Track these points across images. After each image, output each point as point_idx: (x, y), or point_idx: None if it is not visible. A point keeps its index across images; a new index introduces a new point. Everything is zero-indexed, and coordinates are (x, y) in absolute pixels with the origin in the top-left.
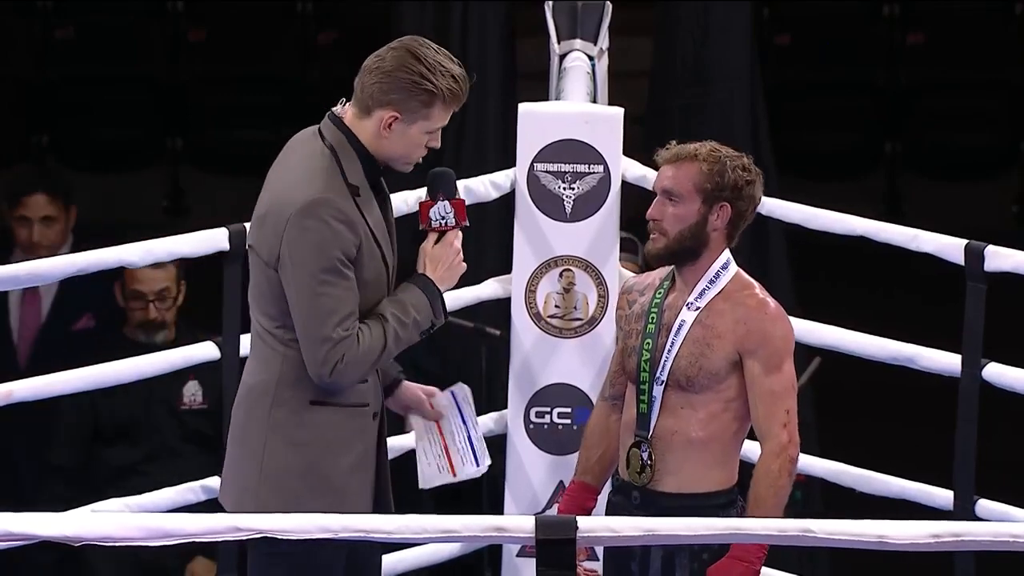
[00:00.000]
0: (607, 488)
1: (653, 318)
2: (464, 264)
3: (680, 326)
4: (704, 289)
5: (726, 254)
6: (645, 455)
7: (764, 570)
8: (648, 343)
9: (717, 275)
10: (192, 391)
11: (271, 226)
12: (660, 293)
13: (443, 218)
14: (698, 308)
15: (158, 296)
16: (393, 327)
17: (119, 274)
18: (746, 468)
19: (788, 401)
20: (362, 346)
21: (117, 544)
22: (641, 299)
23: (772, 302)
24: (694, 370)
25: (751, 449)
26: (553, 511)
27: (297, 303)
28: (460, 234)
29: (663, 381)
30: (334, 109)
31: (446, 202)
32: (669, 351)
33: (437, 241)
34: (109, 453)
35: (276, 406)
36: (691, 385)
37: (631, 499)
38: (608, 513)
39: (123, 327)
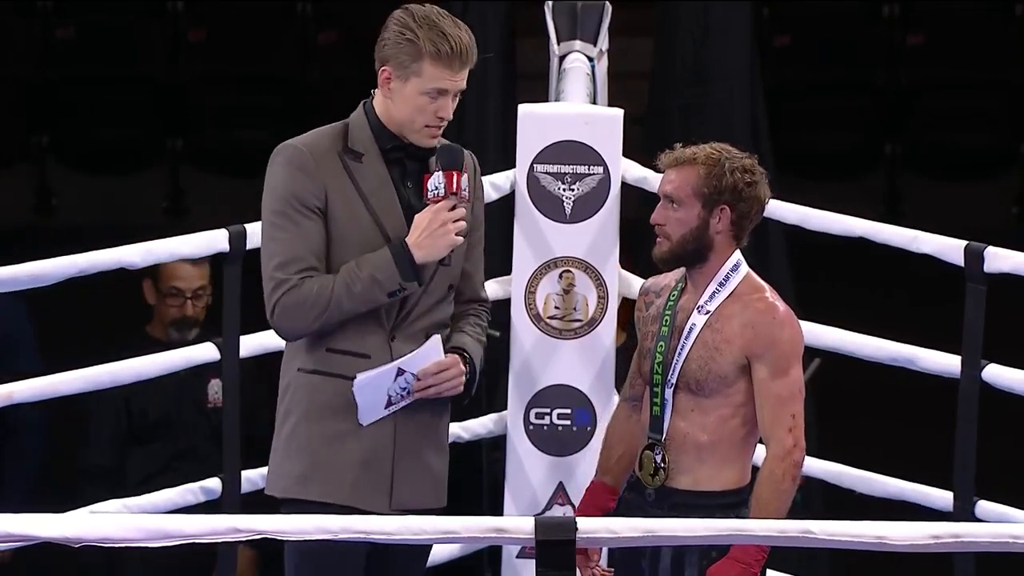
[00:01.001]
0: None
1: (667, 320)
2: (455, 236)
3: (690, 329)
4: (714, 292)
5: (736, 256)
6: (658, 458)
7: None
8: (661, 345)
9: (727, 277)
10: (215, 389)
11: None
12: (674, 295)
13: (436, 188)
14: (708, 311)
15: (195, 294)
16: (343, 279)
17: (144, 273)
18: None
19: (794, 406)
20: (301, 293)
21: (116, 545)
22: (657, 301)
23: (781, 306)
24: (703, 374)
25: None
26: (553, 512)
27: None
28: (457, 207)
29: (673, 384)
30: (374, 90)
31: (439, 172)
32: (679, 354)
33: None
34: (143, 452)
35: (281, 377)
36: (700, 389)
37: (645, 496)
38: (622, 510)
39: (145, 325)
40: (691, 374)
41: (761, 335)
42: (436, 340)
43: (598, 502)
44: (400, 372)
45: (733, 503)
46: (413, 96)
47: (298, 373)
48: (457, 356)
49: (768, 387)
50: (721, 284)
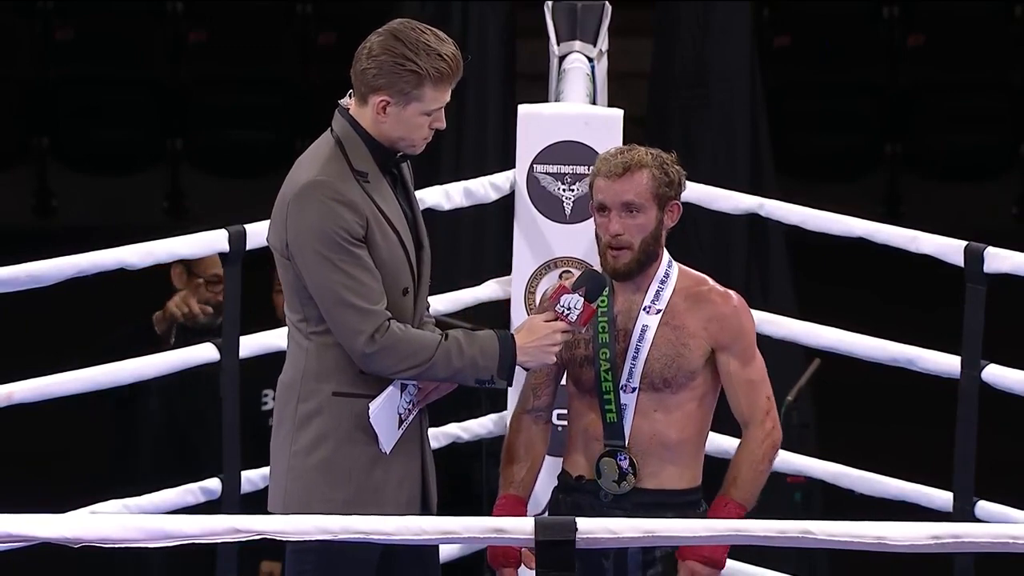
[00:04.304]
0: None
1: (604, 327)
2: (554, 359)
3: (643, 331)
4: (658, 290)
5: (665, 251)
6: (624, 463)
7: (763, 571)
8: (605, 352)
9: (666, 273)
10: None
11: (277, 215)
12: (604, 301)
13: (568, 309)
14: (660, 310)
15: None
16: (447, 349)
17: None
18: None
19: (767, 388)
20: (402, 338)
21: (116, 546)
22: None
23: (733, 293)
24: (671, 371)
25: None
26: None
27: (315, 285)
28: (571, 335)
29: (634, 387)
30: (341, 101)
31: (581, 299)
32: (635, 357)
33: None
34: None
35: (301, 401)
36: (668, 386)
37: (600, 497)
38: (570, 511)
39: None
40: (657, 373)
41: (727, 327)
42: None
43: (513, 515)
44: (403, 387)
45: (692, 502)
46: (414, 117)
47: (333, 397)
48: None
49: (739, 375)
50: (662, 281)
